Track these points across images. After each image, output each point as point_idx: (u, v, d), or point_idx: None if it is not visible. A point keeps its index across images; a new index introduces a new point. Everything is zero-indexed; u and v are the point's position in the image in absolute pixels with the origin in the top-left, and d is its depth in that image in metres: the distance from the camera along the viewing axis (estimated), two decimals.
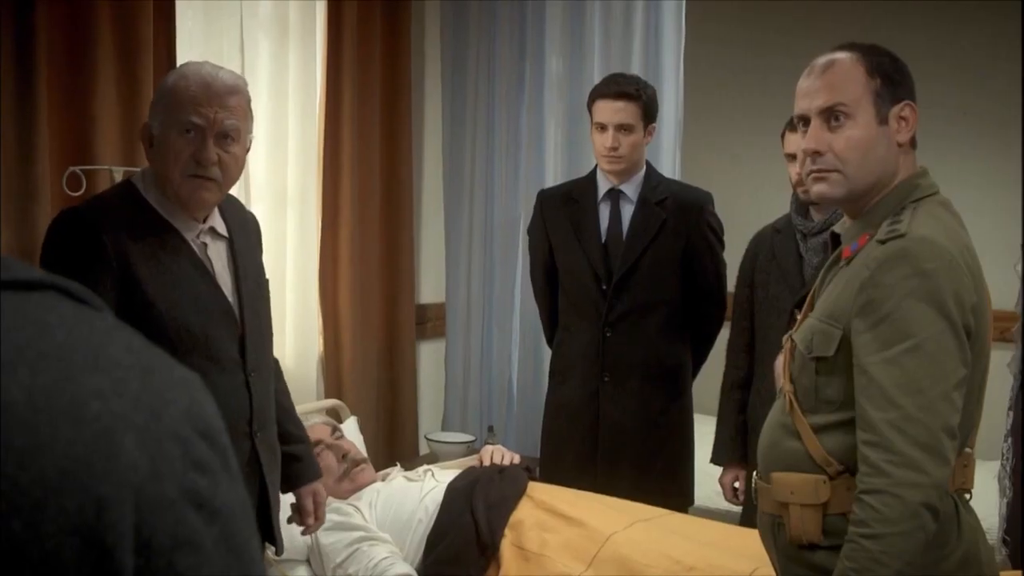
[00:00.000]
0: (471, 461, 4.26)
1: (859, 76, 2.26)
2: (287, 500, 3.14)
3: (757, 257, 3.92)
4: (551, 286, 4.31)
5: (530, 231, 4.44)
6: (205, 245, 2.71)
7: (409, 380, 5.41)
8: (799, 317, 2.46)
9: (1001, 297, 2.39)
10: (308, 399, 4.63)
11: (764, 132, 4.73)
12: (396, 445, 5.31)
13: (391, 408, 5.33)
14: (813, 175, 2.31)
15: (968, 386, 2.17)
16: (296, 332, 4.76)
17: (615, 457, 4.08)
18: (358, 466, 4.01)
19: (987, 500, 2.60)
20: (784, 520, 2.28)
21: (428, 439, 5.23)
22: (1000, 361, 2.50)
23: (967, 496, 2.29)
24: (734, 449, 3.99)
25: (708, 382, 4.33)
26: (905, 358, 2.09)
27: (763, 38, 6.15)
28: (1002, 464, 3.46)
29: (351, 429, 4.52)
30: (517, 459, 4.15)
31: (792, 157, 3.71)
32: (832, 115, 2.26)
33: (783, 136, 3.80)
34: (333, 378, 4.95)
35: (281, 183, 4.66)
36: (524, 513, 3.67)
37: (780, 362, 2.49)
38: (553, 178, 5.19)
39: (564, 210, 4.20)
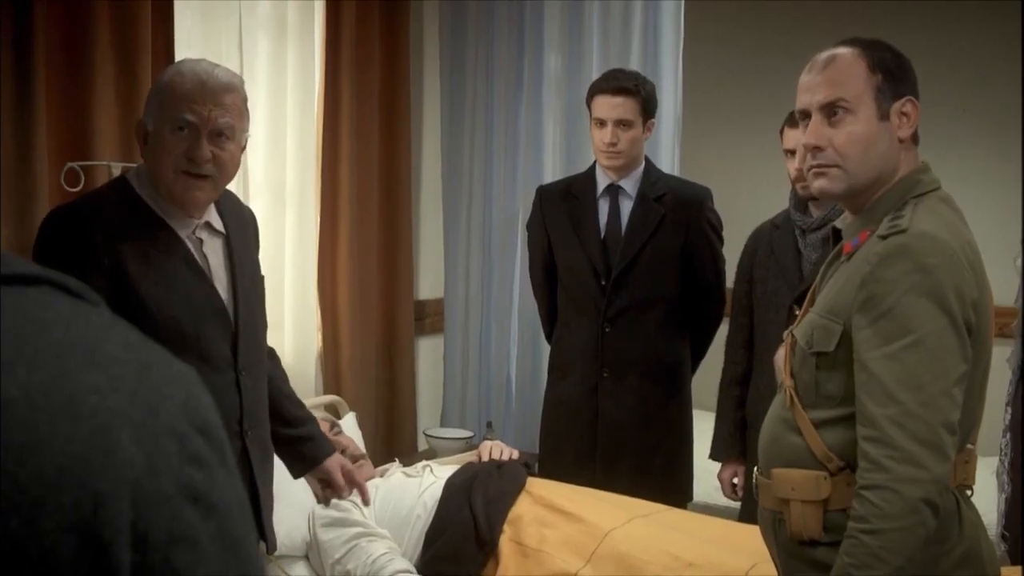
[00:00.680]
0: (470, 457, 4.27)
1: (860, 71, 2.26)
2: (285, 499, 3.14)
3: (756, 253, 3.92)
4: (550, 282, 4.31)
5: (529, 227, 4.44)
6: (200, 241, 2.69)
7: (408, 376, 5.41)
8: (800, 313, 2.46)
9: (1000, 293, 2.39)
10: (307, 395, 4.62)
11: (763, 128, 4.73)
12: (395, 441, 5.31)
13: (390, 404, 5.32)
14: (813, 170, 2.31)
15: (969, 382, 2.17)
16: (295, 328, 4.76)
17: (614, 453, 4.08)
18: (356, 462, 4.00)
19: (986, 496, 2.60)
20: (785, 516, 2.28)
21: (427, 435, 5.23)
22: (999, 357, 2.50)
23: (969, 492, 2.29)
24: (733, 445, 3.99)
25: (707, 378, 4.33)
26: (905, 354, 2.09)
27: (762, 35, 6.15)
28: (1000, 460, 3.45)
29: (350, 425, 4.52)
30: (516, 455, 4.16)
31: (791, 153, 3.71)
32: (833, 110, 2.26)
33: (782, 132, 3.80)
34: (332, 374, 4.95)
35: (280, 180, 4.65)
36: (523, 509, 3.67)
37: (780, 357, 2.49)
38: (552, 175, 5.18)
39: (563, 206, 4.20)
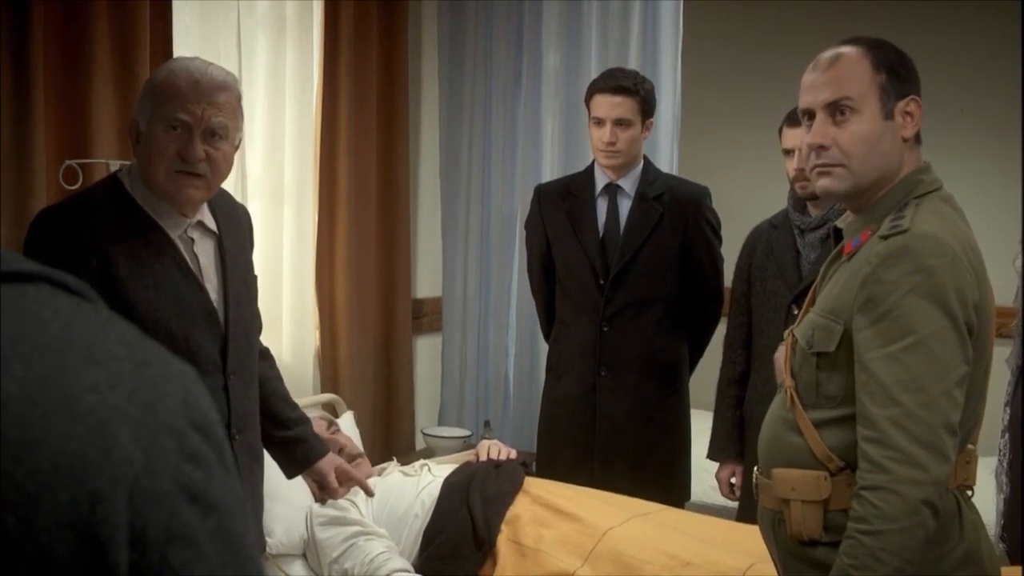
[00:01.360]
0: (467, 456, 4.27)
1: (865, 70, 2.25)
2: (282, 498, 3.13)
3: (754, 252, 3.92)
4: (548, 281, 4.30)
5: (527, 226, 4.44)
6: (192, 241, 2.66)
7: (406, 375, 5.41)
8: (800, 312, 2.46)
9: (999, 293, 2.38)
10: (304, 393, 4.62)
11: (761, 127, 4.72)
12: (392, 440, 5.31)
13: (387, 403, 5.33)
14: (817, 169, 2.30)
15: (970, 383, 2.16)
16: (292, 327, 4.76)
17: (612, 452, 4.08)
18: (354, 460, 4.01)
19: (984, 496, 2.60)
20: (785, 516, 2.28)
21: (424, 434, 5.23)
22: (998, 357, 2.49)
23: (969, 493, 2.29)
24: (731, 444, 3.99)
25: (705, 377, 4.33)
26: (906, 355, 2.09)
27: (761, 34, 6.15)
28: (999, 460, 3.45)
29: (347, 424, 4.52)
30: (514, 454, 4.16)
31: (789, 152, 3.70)
32: (838, 109, 2.25)
33: (780, 131, 3.79)
34: (329, 373, 4.95)
35: (278, 179, 4.65)
36: (520, 508, 3.67)
37: (781, 357, 2.48)
38: (550, 173, 5.19)
39: (561, 205, 4.19)
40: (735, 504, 4.12)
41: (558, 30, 5.31)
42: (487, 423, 5.34)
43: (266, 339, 3.05)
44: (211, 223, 2.72)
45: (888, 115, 2.26)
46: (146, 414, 0.65)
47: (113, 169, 3.42)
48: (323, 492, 3.08)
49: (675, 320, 4.12)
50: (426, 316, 5.69)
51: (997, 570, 2.35)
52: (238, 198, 3.07)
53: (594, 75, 4.38)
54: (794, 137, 3.66)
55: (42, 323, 0.66)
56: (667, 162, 4.83)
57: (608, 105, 3.98)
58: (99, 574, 0.62)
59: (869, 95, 2.25)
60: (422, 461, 4.14)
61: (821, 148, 2.27)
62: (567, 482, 3.91)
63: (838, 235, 2.45)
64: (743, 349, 3.95)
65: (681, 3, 4.95)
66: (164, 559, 0.64)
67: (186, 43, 4.07)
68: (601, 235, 4.09)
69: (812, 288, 2.46)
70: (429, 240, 5.71)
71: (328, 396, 4.82)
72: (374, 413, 5.18)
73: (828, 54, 2.31)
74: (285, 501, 3.66)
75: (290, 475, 3.06)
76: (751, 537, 3.04)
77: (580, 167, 4.45)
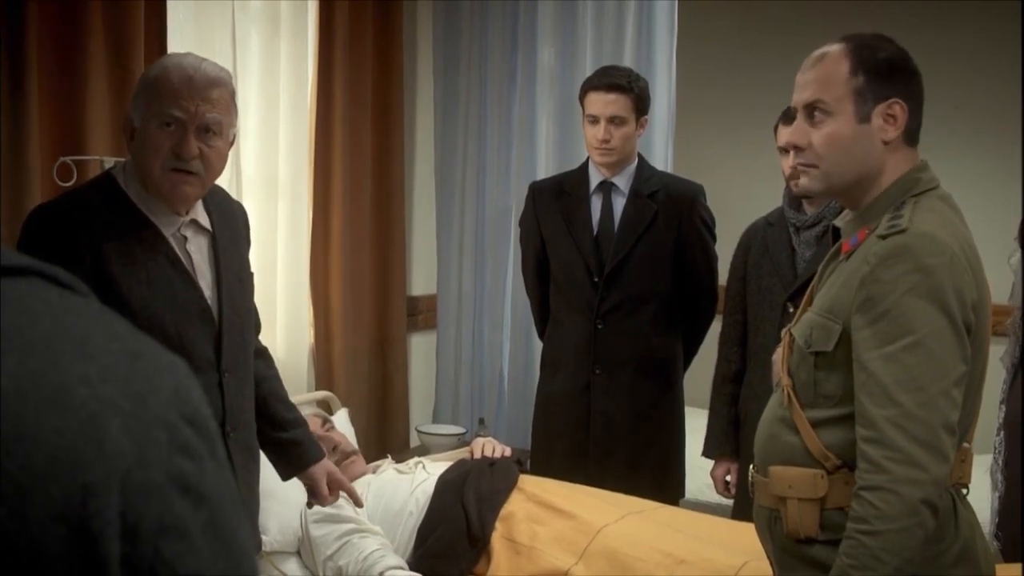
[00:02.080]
0: (462, 453, 4.27)
1: (841, 74, 2.25)
2: (277, 495, 3.13)
3: (749, 250, 3.92)
4: (542, 278, 4.30)
5: (522, 223, 4.44)
6: (185, 239, 2.65)
7: (400, 372, 5.41)
8: (797, 311, 2.45)
9: (994, 291, 2.38)
10: (299, 391, 4.62)
11: (756, 125, 4.72)
12: (387, 437, 5.31)
13: (382, 400, 5.33)
14: (798, 168, 2.35)
15: (967, 382, 2.17)
16: (287, 324, 4.75)
17: (606, 450, 4.08)
18: (349, 458, 4.01)
19: (979, 494, 2.60)
20: (782, 514, 2.28)
21: (419, 431, 5.23)
22: (993, 355, 2.49)
23: (964, 491, 2.29)
24: (726, 442, 3.99)
25: (700, 375, 4.33)
26: (905, 355, 2.09)
27: (755, 32, 6.15)
28: (994, 458, 3.45)
29: (342, 421, 4.51)
30: (508, 452, 4.16)
31: (785, 150, 3.70)
32: (812, 111, 2.27)
33: (776, 129, 3.79)
34: (324, 370, 4.95)
35: (272, 176, 4.65)
36: (515, 506, 3.67)
37: (779, 357, 2.48)
38: (545, 170, 5.19)
39: (556, 202, 4.19)
40: (730, 502, 4.12)
41: (553, 28, 5.31)
42: (481, 420, 5.34)
43: (261, 336, 3.04)
44: (205, 221, 2.71)
45: (864, 119, 2.24)
46: (138, 407, 0.65)
47: (107, 166, 3.41)
48: (313, 498, 3.08)
49: (670, 318, 4.12)
50: (421, 313, 5.69)
51: (992, 568, 2.35)
52: (232, 195, 3.06)
53: (589, 73, 4.38)
54: (789, 135, 3.66)
55: (34, 317, 0.66)
56: (662, 160, 4.84)
57: (602, 103, 3.98)
58: (91, 567, 0.62)
59: (843, 99, 2.24)
60: (416, 458, 4.13)
61: (797, 148, 2.30)
62: (561, 480, 3.91)
63: (836, 234, 2.45)
64: (738, 347, 3.95)
65: (676, 1, 4.95)
66: (156, 551, 0.64)
67: (180, 40, 4.07)
68: (595, 233, 4.09)
69: (810, 287, 2.46)
70: (424, 237, 5.71)
71: (323, 393, 4.82)
72: (369, 410, 5.18)
73: (817, 53, 2.31)
74: (279, 498, 3.66)
75: (284, 477, 3.06)
76: (746, 535, 3.04)
77: (575, 165, 4.44)
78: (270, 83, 4.59)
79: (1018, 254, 3.48)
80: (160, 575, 0.64)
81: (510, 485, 3.78)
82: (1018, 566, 2.93)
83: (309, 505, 3.19)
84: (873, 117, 2.25)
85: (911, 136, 2.30)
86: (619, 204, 4.10)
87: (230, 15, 4.37)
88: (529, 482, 3.83)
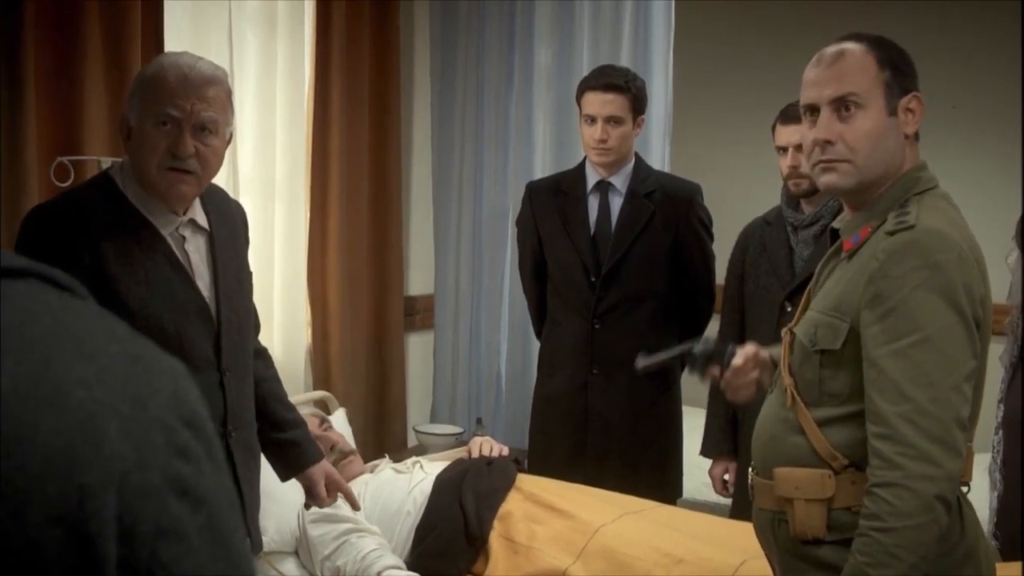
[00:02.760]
0: (460, 453, 4.26)
1: (870, 66, 2.25)
2: (274, 495, 3.13)
3: (747, 249, 3.92)
4: (540, 278, 4.30)
5: (519, 223, 4.43)
6: (183, 239, 2.65)
7: (398, 372, 5.41)
8: (796, 310, 2.45)
9: (992, 290, 2.38)
10: (296, 391, 4.62)
11: (754, 124, 4.73)
12: (384, 437, 5.31)
13: (380, 400, 5.33)
14: (821, 165, 2.29)
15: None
16: (284, 324, 4.75)
17: (604, 449, 4.08)
18: (346, 458, 4.01)
19: (978, 493, 2.60)
20: (788, 515, 2.27)
21: (416, 431, 5.23)
22: (992, 353, 2.49)
23: (965, 489, 2.28)
24: (724, 441, 3.99)
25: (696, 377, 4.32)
26: (915, 350, 2.09)
27: (752, 31, 6.15)
28: (993, 457, 3.46)
29: (339, 421, 4.51)
30: (506, 451, 4.16)
31: (783, 150, 3.71)
32: (843, 105, 2.24)
33: (773, 128, 3.79)
34: (321, 370, 4.95)
35: (269, 176, 4.65)
36: (513, 505, 3.67)
37: (764, 353, 2.48)
38: (542, 170, 5.19)
39: (553, 202, 4.19)
40: (728, 501, 4.12)
41: (550, 28, 5.31)
42: (479, 420, 5.34)
43: (258, 335, 3.04)
44: (203, 220, 2.71)
45: (892, 111, 2.25)
46: (135, 409, 0.65)
47: (105, 166, 3.41)
48: (311, 499, 3.08)
49: (667, 317, 4.12)
50: (418, 313, 5.69)
51: (992, 567, 2.35)
52: (230, 195, 3.06)
53: (586, 73, 4.38)
54: (787, 134, 3.66)
55: (32, 318, 0.66)
56: (659, 159, 4.84)
57: (599, 103, 3.98)
58: (88, 568, 0.62)
59: (874, 91, 2.24)
60: (414, 458, 4.13)
61: (827, 143, 2.26)
62: (559, 479, 3.91)
63: (834, 236, 2.44)
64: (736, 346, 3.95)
65: (672, 1, 4.95)
66: (153, 554, 0.64)
67: (177, 40, 4.06)
68: (592, 232, 4.09)
69: (808, 288, 2.46)
70: (421, 237, 5.71)
71: (320, 393, 4.82)
72: (366, 410, 5.18)
73: (832, 50, 2.30)
74: (277, 498, 3.65)
75: (283, 478, 3.06)
76: (743, 534, 3.04)
77: (572, 164, 4.44)
78: (267, 83, 4.58)
79: (1015, 253, 3.48)
80: None
81: (508, 484, 3.78)
82: (1017, 565, 2.93)
83: (307, 506, 3.19)
84: (899, 111, 2.26)
85: (916, 133, 2.31)
86: (616, 204, 4.10)
87: (227, 16, 4.37)
88: (527, 481, 3.83)
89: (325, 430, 4.06)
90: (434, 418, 5.63)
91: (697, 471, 4.34)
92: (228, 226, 2.81)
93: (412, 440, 5.35)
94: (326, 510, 3.58)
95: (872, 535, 2.07)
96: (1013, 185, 4.61)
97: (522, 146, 5.41)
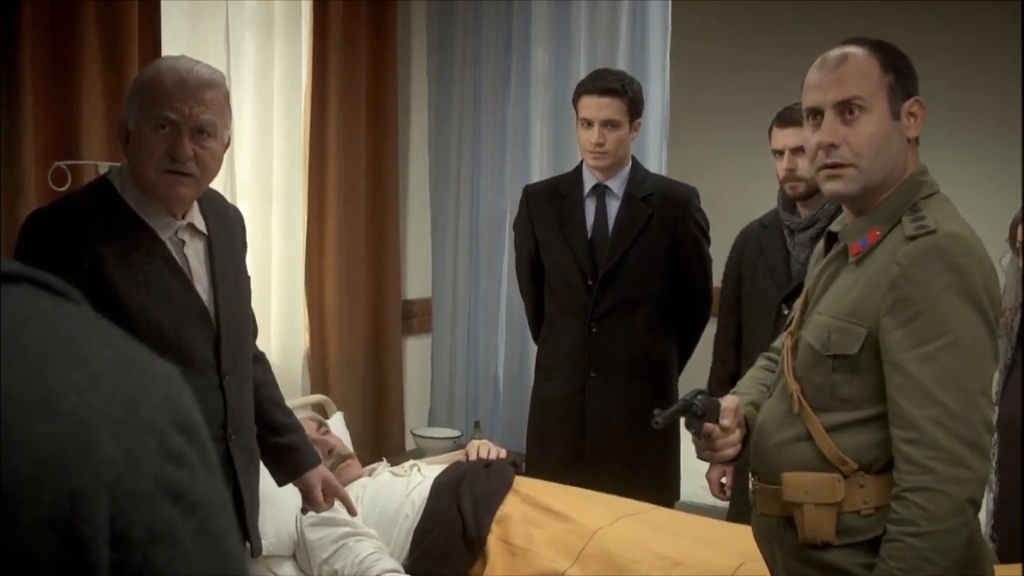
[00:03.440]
0: (457, 456, 4.26)
1: (874, 70, 2.25)
2: (272, 498, 3.13)
3: (744, 252, 3.92)
4: (537, 281, 4.30)
5: (516, 226, 4.43)
6: (182, 243, 2.65)
7: (395, 375, 5.42)
8: (795, 314, 2.43)
9: None
10: (294, 394, 4.62)
11: (750, 127, 4.72)
12: (382, 440, 5.31)
13: (377, 403, 5.33)
14: (826, 171, 2.28)
15: None
16: (282, 327, 4.75)
17: (601, 452, 4.08)
18: (344, 461, 4.01)
19: None
20: (797, 520, 2.26)
21: (414, 434, 5.23)
22: None
23: None
24: None
25: (694, 377, 4.32)
26: (943, 354, 2.09)
27: (749, 34, 6.14)
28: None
29: (337, 424, 4.51)
30: (503, 454, 4.16)
31: (779, 153, 3.70)
32: (847, 108, 2.24)
33: (770, 132, 3.79)
34: (319, 373, 4.95)
35: (267, 179, 4.65)
36: (510, 508, 3.67)
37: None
38: (539, 173, 5.19)
39: (550, 205, 4.19)
40: (725, 504, 4.11)
41: (547, 31, 5.31)
42: (477, 423, 5.34)
43: (256, 340, 3.04)
44: (201, 224, 2.72)
45: (895, 115, 2.25)
46: (128, 414, 0.66)
47: (102, 171, 3.43)
48: (308, 504, 3.09)
49: (664, 320, 4.12)
50: (416, 317, 5.69)
51: (992, 569, 2.35)
52: (227, 199, 3.06)
53: (583, 76, 4.38)
54: (783, 138, 3.66)
55: (24, 323, 0.66)
56: (655, 162, 4.84)
57: (596, 106, 3.98)
58: (81, 573, 0.62)
59: (878, 95, 2.24)
60: (412, 461, 4.13)
61: (831, 147, 2.25)
62: (557, 482, 3.91)
63: (829, 238, 2.44)
64: (733, 349, 3.95)
65: (669, 3, 4.96)
66: (146, 558, 0.64)
67: (174, 44, 4.07)
68: (589, 236, 4.09)
69: (804, 289, 2.45)
70: (418, 241, 5.71)
71: (318, 397, 4.82)
72: (364, 414, 5.17)
73: (835, 53, 2.29)
74: (275, 502, 3.65)
75: (280, 482, 3.06)
76: (741, 536, 3.04)
77: (569, 168, 4.45)
78: (264, 86, 4.59)
79: (1009, 255, 3.49)
80: None
81: (506, 487, 3.78)
82: (1015, 566, 2.93)
83: (304, 511, 3.19)
84: (902, 115, 2.26)
85: (917, 138, 2.32)
86: (613, 207, 4.10)
87: (224, 18, 4.37)
88: (525, 484, 3.83)
89: (323, 434, 4.06)
90: (432, 421, 5.63)
91: (695, 474, 4.32)
92: (226, 230, 2.82)
93: (410, 443, 5.35)
94: (324, 514, 3.58)
95: (905, 540, 2.06)
96: (1007, 188, 4.62)
97: (519, 149, 5.42)
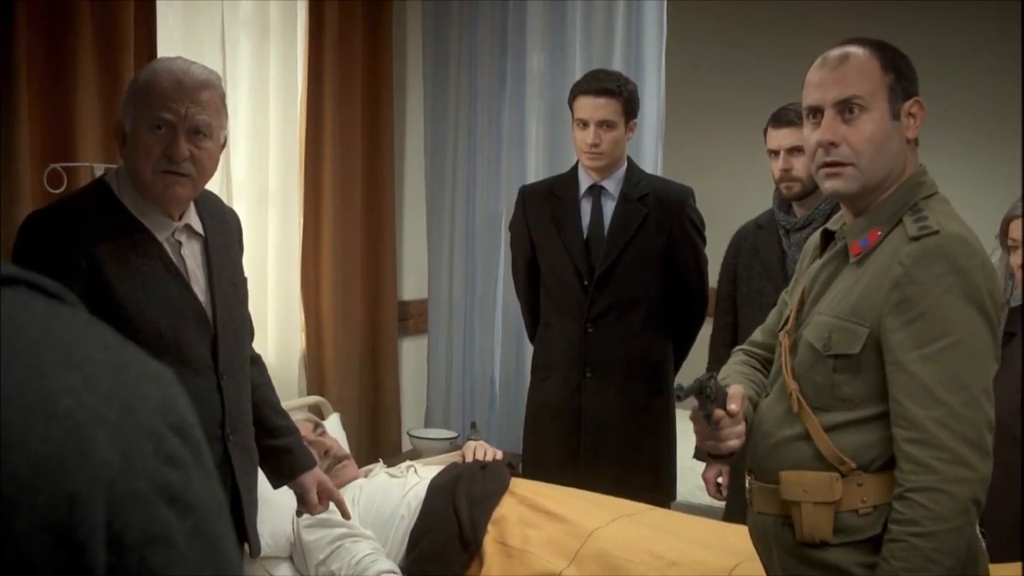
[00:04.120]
0: (454, 457, 4.26)
1: (874, 70, 2.25)
2: (269, 499, 3.12)
3: (739, 252, 3.92)
4: (533, 282, 4.30)
5: (511, 227, 4.44)
6: (179, 244, 2.66)
7: (392, 377, 5.41)
8: (792, 313, 2.43)
9: None
10: (290, 396, 4.62)
11: (746, 127, 4.73)
12: (379, 441, 5.31)
13: (373, 405, 5.33)
14: (825, 170, 2.28)
15: None
16: (278, 329, 4.75)
17: (598, 453, 4.08)
18: (340, 462, 4.01)
19: None
20: (794, 519, 2.26)
21: (411, 435, 5.23)
22: None
23: None
24: None
25: (690, 377, 4.31)
26: (945, 355, 2.10)
27: (745, 34, 6.15)
28: None
29: (334, 426, 4.51)
30: (500, 455, 4.15)
31: (775, 153, 3.71)
32: (848, 107, 2.24)
33: (765, 132, 3.79)
34: (315, 375, 4.94)
35: (262, 181, 4.65)
36: (507, 509, 3.67)
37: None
38: (535, 174, 5.19)
39: (546, 206, 4.19)
40: (721, 504, 4.12)
41: (542, 31, 5.31)
42: (473, 424, 5.34)
43: (252, 342, 3.05)
44: (198, 226, 2.73)
45: (895, 115, 2.25)
46: (123, 417, 0.66)
47: (98, 173, 3.43)
48: (303, 506, 3.09)
49: (660, 321, 4.12)
50: (412, 318, 5.69)
51: (987, 568, 2.35)
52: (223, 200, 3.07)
53: (578, 76, 4.38)
54: (779, 138, 3.67)
55: (19, 326, 0.66)
56: (651, 163, 4.84)
57: (591, 107, 3.98)
58: (78, 575, 0.62)
59: (878, 94, 2.24)
60: (408, 462, 4.13)
61: (831, 145, 2.25)
62: (553, 483, 3.90)
63: (826, 237, 2.44)
64: (729, 349, 3.91)
65: (664, 4, 4.95)
66: (142, 560, 0.64)
67: (170, 45, 4.06)
68: (585, 236, 4.09)
69: (800, 288, 2.45)
70: (414, 242, 5.71)
71: (314, 398, 4.82)
72: (360, 415, 5.17)
73: (836, 52, 2.30)
74: (272, 503, 3.65)
75: (275, 485, 3.07)
76: (737, 537, 3.04)
77: (564, 168, 4.44)
78: (260, 88, 4.58)
79: (999, 251, 3.49)
80: None
81: (502, 488, 3.77)
82: (1011, 566, 2.93)
83: (299, 513, 3.19)
84: (901, 115, 2.27)
85: (916, 139, 2.32)
86: (609, 208, 4.10)
87: (219, 20, 4.37)
88: (521, 485, 3.83)
89: (319, 435, 4.06)
90: (428, 422, 5.62)
91: (691, 474, 4.33)
92: (223, 232, 2.83)
93: (406, 445, 5.35)
94: (320, 515, 3.58)
95: (909, 540, 2.07)
96: (1005, 188, 4.62)
97: (515, 150, 5.41)
